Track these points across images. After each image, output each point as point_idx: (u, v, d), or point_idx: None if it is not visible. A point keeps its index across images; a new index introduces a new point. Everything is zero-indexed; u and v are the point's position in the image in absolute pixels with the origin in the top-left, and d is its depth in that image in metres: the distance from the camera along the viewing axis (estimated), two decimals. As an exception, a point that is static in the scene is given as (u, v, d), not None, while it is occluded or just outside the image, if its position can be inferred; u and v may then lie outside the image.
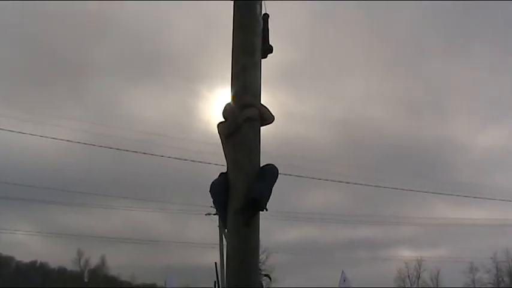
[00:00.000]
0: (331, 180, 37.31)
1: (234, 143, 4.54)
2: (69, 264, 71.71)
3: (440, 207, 67.77)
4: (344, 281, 21.22)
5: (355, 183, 38.04)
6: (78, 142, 30.00)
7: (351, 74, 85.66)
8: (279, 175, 4.66)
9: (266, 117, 4.77)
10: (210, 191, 4.69)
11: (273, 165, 4.70)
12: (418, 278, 63.18)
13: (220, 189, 4.55)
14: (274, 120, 4.84)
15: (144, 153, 29.77)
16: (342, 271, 21.91)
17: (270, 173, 4.59)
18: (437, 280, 62.48)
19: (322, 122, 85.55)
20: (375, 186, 38.55)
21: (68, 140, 29.79)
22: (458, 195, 43.27)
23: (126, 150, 30.28)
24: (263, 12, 4.90)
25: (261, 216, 4.40)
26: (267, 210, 4.39)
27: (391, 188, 39.24)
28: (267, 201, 4.41)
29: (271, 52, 4.93)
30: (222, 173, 4.69)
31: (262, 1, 4.89)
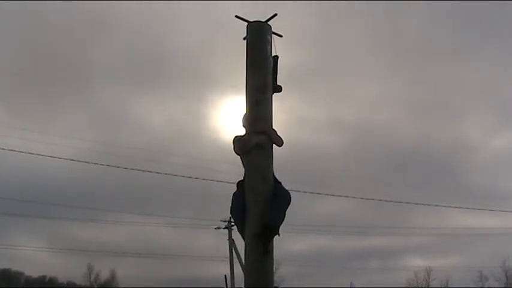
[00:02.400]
0: (341, 196, 37.78)
1: (249, 167, 5.00)
2: (79, 279, 71.95)
3: (450, 215, 67.30)
4: (352, 291, 21.44)
5: (366, 199, 38.36)
6: (86, 162, 30.26)
7: (361, 76, 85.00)
8: (291, 200, 5.06)
9: (275, 142, 5.19)
10: (230, 212, 5.10)
11: (286, 190, 5.09)
12: (428, 287, 63.02)
13: (239, 210, 4.95)
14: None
15: (157, 172, 29.97)
16: (351, 282, 22.16)
17: (284, 199, 4.99)
18: (447, 290, 62.34)
19: (331, 126, 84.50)
20: (385, 200, 38.79)
21: (78, 160, 30.06)
22: (467, 208, 43.30)
23: (134, 169, 30.53)
24: (273, 54, 5.36)
25: None
26: (279, 235, 4.81)
27: (399, 202, 39.66)
28: (280, 226, 4.82)
29: (280, 91, 5.39)
30: (239, 182, 5.10)
31: (272, 42, 5.35)
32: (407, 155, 75.95)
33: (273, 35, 5.40)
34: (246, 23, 5.35)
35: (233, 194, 5.16)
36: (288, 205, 5.00)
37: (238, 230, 5.07)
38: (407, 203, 41.20)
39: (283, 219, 4.89)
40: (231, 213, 5.14)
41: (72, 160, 29.75)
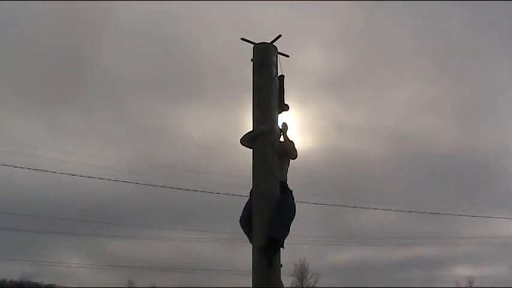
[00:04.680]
0: (383, 209, 37.31)
1: (257, 193, 5.02)
2: (121, 295, 72.90)
3: (496, 223, 65.13)
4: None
5: (408, 211, 37.78)
6: (125, 181, 30.93)
7: (402, 80, 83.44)
8: (296, 212, 5.10)
9: (289, 152, 5.28)
10: (239, 221, 5.20)
11: (293, 203, 5.13)
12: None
13: (247, 220, 5.05)
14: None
15: (194, 190, 30.28)
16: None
17: (288, 213, 5.02)
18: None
19: (371, 132, 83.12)
20: (430, 213, 38.15)
21: (117, 180, 30.70)
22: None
23: (172, 188, 30.92)
24: (279, 74, 5.45)
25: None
26: (283, 248, 4.84)
27: (438, 214, 38.91)
28: (284, 239, 4.86)
29: (287, 110, 5.48)
30: (251, 191, 5.12)
31: (278, 63, 5.44)
32: (450, 162, 74.29)
33: (280, 56, 5.49)
34: (252, 45, 5.43)
35: (246, 203, 5.25)
36: (293, 219, 5.03)
37: (250, 241, 5.10)
38: (446, 214, 40.54)
39: (287, 233, 4.93)
40: (239, 222, 5.23)
41: (114, 180, 30.47)
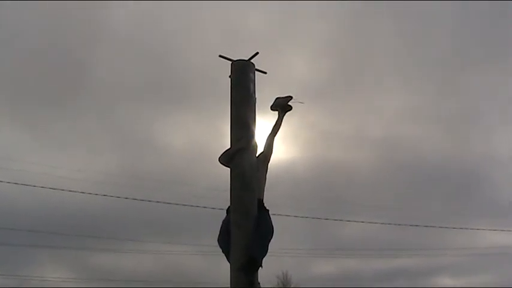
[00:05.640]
0: (367, 222, 37.41)
1: (232, 176, 5.12)
2: (104, 309, 72.06)
3: (480, 234, 65.23)
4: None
5: (392, 224, 37.91)
6: (112, 196, 30.69)
7: (388, 88, 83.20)
8: (273, 232, 5.10)
9: (266, 154, 5.43)
10: (217, 240, 5.15)
11: (270, 223, 5.13)
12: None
13: (225, 239, 5.01)
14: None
15: (176, 204, 30.18)
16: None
17: (267, 232, 5.03)
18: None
19: (358, 142, 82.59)
20: (410, 225, 38.40)
21: (96, 194, 30.47)
22: (495, 230, 42.69)
23: (157, 202, 30.77)
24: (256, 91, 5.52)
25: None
26: (262, 267, 4.84)
27: (426, 226, 39.23)
28: (263, 259, 4.86)
29: (291, 109, 5.80)
30: (229, 208, 5.11)
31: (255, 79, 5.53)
32: (435, 172, 74.59)
33: (257, 72, 5.59)
34: (230, 62, 5.51)
35: (222, 221, 5.21)
36: (271, 239, 5.03)
37: (228, 260, 5.07)
38: (432, 226, 40.84)
39: (265, 253, 4.92)
40: (218, 241, 5.17)
41: (95, 194, 30.24)
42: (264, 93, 5.71)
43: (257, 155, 5.38)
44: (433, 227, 40.30)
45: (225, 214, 5.23)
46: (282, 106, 5.76)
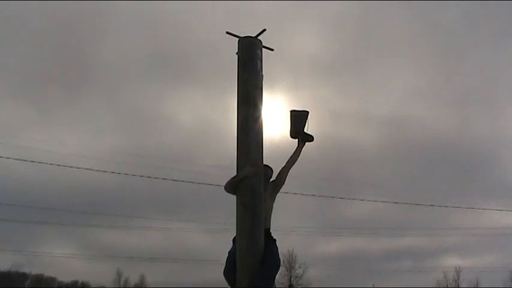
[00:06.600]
0: (377, 201, 37.43)
1: (238, 204, 4.99)
2: (110, 284, 72.92)
3: (486, 214, 65.39)
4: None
5: (400, 203, 37.82)
6: (119, 173, 30.83)
7: (398, 67, 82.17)
8: (280, 264, 5.06)
9: (267, 173, 5.29)
10: (223, 273, 5.03)
11: (277, 255, 5.02)
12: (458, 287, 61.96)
13: (231, 270, 4.91)
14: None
15: (182, 181, 30.28)
16: (373, 284, 21.94)
17: (273, 264, 4.91)
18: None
19: (365, 121, 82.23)
20: (416, 204, 38.41)
21: (104, 171, 30.62)
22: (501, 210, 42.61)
23: (164, 179, 30.83)
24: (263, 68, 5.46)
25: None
26: None
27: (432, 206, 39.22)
28: None
29: (312, 141, 5.64)
30: (235, 238, 5.00)
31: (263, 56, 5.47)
32: (444, 150, 74.25)
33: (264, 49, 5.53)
34: (237, 39, 5.46)
35: (228, 252, 5.09)
36: (277, 271, 4.94)
37: None
38: (440, 206, 40.92)
39: (271, 285, 4.84)
40: (223, 274, 5.06)
41: (103, 171, 30.38)
42: (271, 71, 5.65)
43: (269, 179, 5.34)
44: (440, 206, 40.51)
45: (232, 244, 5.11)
46: (302, 135, 5.62)
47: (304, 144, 5.60)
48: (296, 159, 5.55)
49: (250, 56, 5.37)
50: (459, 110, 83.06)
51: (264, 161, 5.20)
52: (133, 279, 72.87)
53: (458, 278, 61.55)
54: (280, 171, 5.46)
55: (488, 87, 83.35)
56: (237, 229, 4.95)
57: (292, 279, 52.67)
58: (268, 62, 5.52)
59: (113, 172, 31.18)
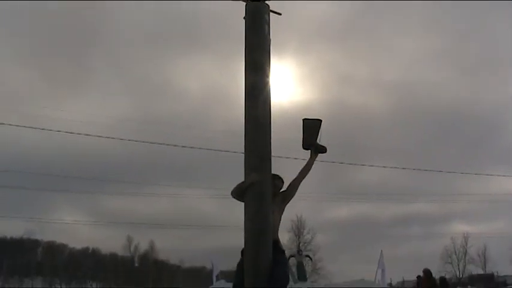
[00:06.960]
0: (386, 167, 37.15)
1: (246, 216, 4.92)
2: (120, 250, 74.16)
3: (495, 180, 65.14)
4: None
5: (408, 169, 37.65)
6: (128, 140, 30.88)
7: (408, 31, 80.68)
8: (289, 279, 4.97)
9: (287, 194, 5.26)
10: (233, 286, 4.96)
11: (285, 272, 4.92)
12: (465, 254, 62.59)
13: (240, 283, 4.82)
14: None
15: (191, 147, 30.20)
16: (381, 251, 22.01)
17: (281, 281, 4.78)
18: (485, 256, 61.96)
19: (374, 86, 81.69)
20: (424, 170, 38.15)
21: (113, 138, 30.70)
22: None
23: (172, 145, 30.84)
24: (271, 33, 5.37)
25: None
26: None
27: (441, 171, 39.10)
28: None
29: (325, 152, 5.55)
30: (243, 250, 4.90)
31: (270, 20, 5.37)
32: (454, 117, 73.70)
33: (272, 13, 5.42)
34: (244, 3, 5.36)
35: (237, 264, 5.01)
36: (286, 286, 4.83)
37: None
38: (448, 172, 40.89)
39: None
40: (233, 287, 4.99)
41: (112, 138, 30.43)
42: (279, 35, 5.56)
43: (280, 189, 5.28)
44: (449, 172, 40.47)
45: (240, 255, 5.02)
46: (315, 147, 5.51)
47: (316, 156, 5.50)
48: (308, 171, 5.45)
49: (257, 20, 5.28)
50: (470, 76, 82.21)
51: (271, 126, 5.14)
52: (143, 245, 74.21)
53: (466, 244, 62.28)
54: (291, 182, 5.37)
55: (499, 53, 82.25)
56: (244, 240, 4.89)
57: (300, 244, 53.31)
58: (276, 26, 5.42)
59: (122, 139, 31.30)
